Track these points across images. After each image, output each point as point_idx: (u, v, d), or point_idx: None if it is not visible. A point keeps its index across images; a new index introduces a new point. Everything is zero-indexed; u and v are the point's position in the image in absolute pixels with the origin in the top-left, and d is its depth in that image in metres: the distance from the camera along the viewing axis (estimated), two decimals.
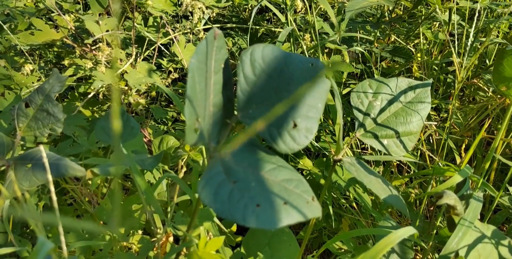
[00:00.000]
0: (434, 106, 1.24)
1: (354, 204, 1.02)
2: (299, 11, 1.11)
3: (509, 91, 0.75)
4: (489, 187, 0.64)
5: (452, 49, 0.86)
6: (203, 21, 1.09)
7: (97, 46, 0.92)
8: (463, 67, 0.87)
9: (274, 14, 1.50)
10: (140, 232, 0.81)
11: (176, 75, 1.12)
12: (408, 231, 0.50)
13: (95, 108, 0.97)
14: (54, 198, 0.40)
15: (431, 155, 1.06)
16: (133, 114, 1.18)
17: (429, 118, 1.18)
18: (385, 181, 0.64)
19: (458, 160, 1.09)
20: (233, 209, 0.44)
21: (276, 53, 0.52)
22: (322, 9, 1.38)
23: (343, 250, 0.93)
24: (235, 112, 0.52)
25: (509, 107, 0.66)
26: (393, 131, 0.68)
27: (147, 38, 1.07)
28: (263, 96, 0.51)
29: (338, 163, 0.64)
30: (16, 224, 0.88)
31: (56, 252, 0.66)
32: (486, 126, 0.82)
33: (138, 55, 1.06)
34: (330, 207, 0.90)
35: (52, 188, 0.39)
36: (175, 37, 1.04)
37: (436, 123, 1.12)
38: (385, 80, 0.72)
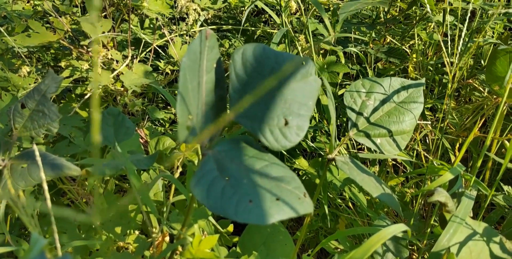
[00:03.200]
0: (429, 106, 1.25)
1: (350, 204, 1.03)
2: (294, 13, 1.12)
3: (501, 90, 0.76)
4: (481, 185, 0.65)
5: (443, 48, 0.87)
6: (199, 23, 1.10)
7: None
8: (456, 66, 0.88)
9: (270, 16, 1.51)
10: (136, 232, 0.82)
11: (172, 77, 1.13)
12: (399, 228, 0.51)
13: (91, 109, 0.98)
14: (47, 196, 0.40)
15: (426, 155, 1.06)
16: (129, 116, 1.19)
17: (424, 118, 1.19)
18: (378, 179, 0.65)
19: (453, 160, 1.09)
20: (226, 205, 0.44)
21: (268, 52, 0.53)
22: (318, 11, 1.39)
23: (339, 250, 0.94)
24: (228, 111, 0.53)
25: (500, 106, 0.66)
26: (386, 130, 0.68)
27: (143, 40, 1.07)
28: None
29: (333, 163, 0.65)
30: (14, 225, 0.89)
31: (53, 253, 0.66)
32: (479, 124, 0.83)
33: (135, 57, 1.06)
34: (326, 207, 0.91)
35: (45, 186, 0.40)
36: (171, 39, 1.05)
37: (430, 122, 1.12)
38: (379, 80, 0.73)
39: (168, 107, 1.39)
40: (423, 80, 0.74)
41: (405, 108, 0.70)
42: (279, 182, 0.48)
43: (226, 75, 0.57)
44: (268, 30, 1.30)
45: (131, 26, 1.00)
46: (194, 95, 0.49)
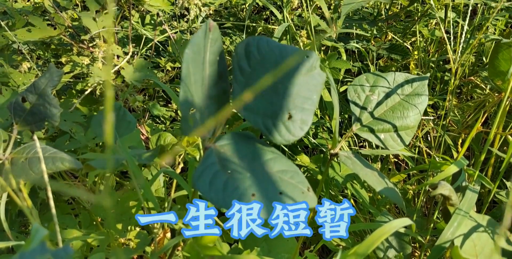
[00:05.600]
0: (431, 103, 1.24)
1: (352, 201, 1.02)
2: (295, 8, 1.11)
3: (504, 85, 0.75)
4: (484, 180, 0.65)
5: (447, 42, 0.86)
6: (200, 19, 1.09)
7: (94, 43, 0.92)
8: (458, 63, 0.87)
9: (271, 13, 1.51)
10: (138, 228, 0.81)
11: (173, 73, 1.13)
12: (403, 222, 0.50)
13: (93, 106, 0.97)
14: (49, 187, 0.40)
15: (429, 151, 1.06)
16: (130, 111, 1.18)
17: (426, 115, 1.19)
18: (381, 174, 0.64)
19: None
20: (228, 198, 0.44)
21: (272, 46, 0.52)
22: (319, 8, 1.39)
23: (341, 247, 0.93)
24: (231, 104, 0.53)
25: (503, 100, 0.66)
26: (390, 125, 0.68)
27: (144, 36, 1.07)
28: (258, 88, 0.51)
29: (336, 159, 0.65)
30: (14, 223, 0.88)
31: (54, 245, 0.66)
32: (482, 119, 0.82)
33: (136, 53, 1.06)
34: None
35: (46, 178, 0.39)
36: (172, 36, 1.04)
37: (432, 118, 1.12)
38: (383, 75, 0.72)
39: (169, 104, 1.38)
40: (427, 75, 0.73)
41: (410, 103, 0.69)
42: (283, 176, 0.48)
43: (229, 69, 0.57)
44: (270, 27, 1.30)
45: (132, 21, 1.00)
46: (197, 88, 0.48)
